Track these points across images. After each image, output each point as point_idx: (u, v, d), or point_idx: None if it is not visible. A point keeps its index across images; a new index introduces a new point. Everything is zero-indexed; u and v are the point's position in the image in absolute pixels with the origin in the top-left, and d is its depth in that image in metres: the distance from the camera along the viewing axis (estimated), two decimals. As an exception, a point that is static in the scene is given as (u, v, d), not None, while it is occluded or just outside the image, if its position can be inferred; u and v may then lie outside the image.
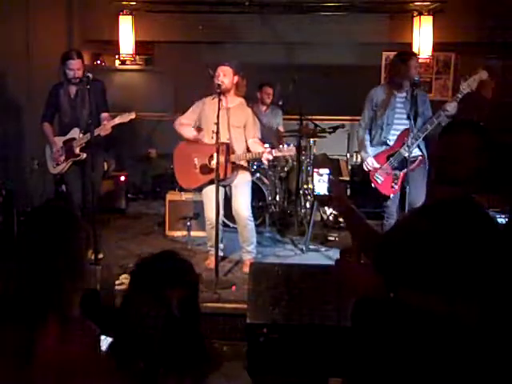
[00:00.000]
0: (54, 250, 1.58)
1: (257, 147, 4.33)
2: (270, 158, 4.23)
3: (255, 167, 5.71)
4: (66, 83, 4.54)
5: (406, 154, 4.18)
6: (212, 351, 1.44)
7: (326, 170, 2.13)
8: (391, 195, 4.41)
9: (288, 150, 4.24)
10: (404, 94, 4.37)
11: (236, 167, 4.39)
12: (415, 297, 1.63)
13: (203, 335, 1.48)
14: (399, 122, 4.38)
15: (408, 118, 4.10)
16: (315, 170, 2.16)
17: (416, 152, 4.32)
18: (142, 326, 1.39)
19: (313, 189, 5.53)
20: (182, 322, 1.41)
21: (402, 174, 4.31)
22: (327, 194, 2.12)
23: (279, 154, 4.26)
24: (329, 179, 2.12)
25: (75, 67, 4.42)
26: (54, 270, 1.56)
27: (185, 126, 4.46)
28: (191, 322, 1.44)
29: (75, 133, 4.58)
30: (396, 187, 4.37)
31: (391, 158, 4.36)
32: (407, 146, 4.16)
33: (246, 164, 4.55)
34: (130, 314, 1.42)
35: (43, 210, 1.74)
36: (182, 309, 1.41)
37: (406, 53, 4.59)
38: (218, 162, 4.12)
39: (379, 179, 4.42)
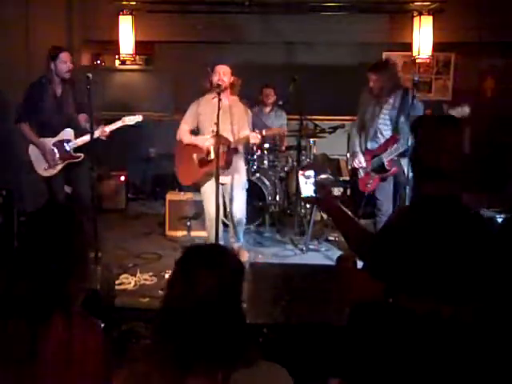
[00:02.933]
0: (59, 250, 1.59)
1: (244, 133, 4.42)
2: (257, 140, 4.35)
3: (255, 167, 5.71)
4: (57, 80, 4.41)
5: (385, 161, 4.34)
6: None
7: (312, 172, 2.12)
8: (377, 192, 4.53)
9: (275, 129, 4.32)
10: (391, 101, 4.37)
11: (235, 161, 4.45)
12: (415, 301, 1.61)
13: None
14: (384, 128, 4.44)
15: (392, 124, 4.20)
16: (300, 172, 2.14)
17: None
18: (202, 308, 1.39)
19: (299, 191, 5.52)
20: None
21: (377, 177, 4.47)
22: (314, 195, 2.10)
23: (269, 132, 4.51)
24: (315, 181, 2.11)
25: (68, 59, 4.36)
26: (59, 269, 1.57)
27: (184, 132, 4.56)
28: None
29: (68, 134, 4.46)
30: (369, 187, 4.53)
31: (373, 160, 4.49)
32: (387, 153, 4.32)
33: (243, 164, 4.62)
34: (189, 295, 1.41)
35: (47, 210, 1.74)
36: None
37: None
38: (217, 161, 4.14)
39: (360, 174, 4.63)
